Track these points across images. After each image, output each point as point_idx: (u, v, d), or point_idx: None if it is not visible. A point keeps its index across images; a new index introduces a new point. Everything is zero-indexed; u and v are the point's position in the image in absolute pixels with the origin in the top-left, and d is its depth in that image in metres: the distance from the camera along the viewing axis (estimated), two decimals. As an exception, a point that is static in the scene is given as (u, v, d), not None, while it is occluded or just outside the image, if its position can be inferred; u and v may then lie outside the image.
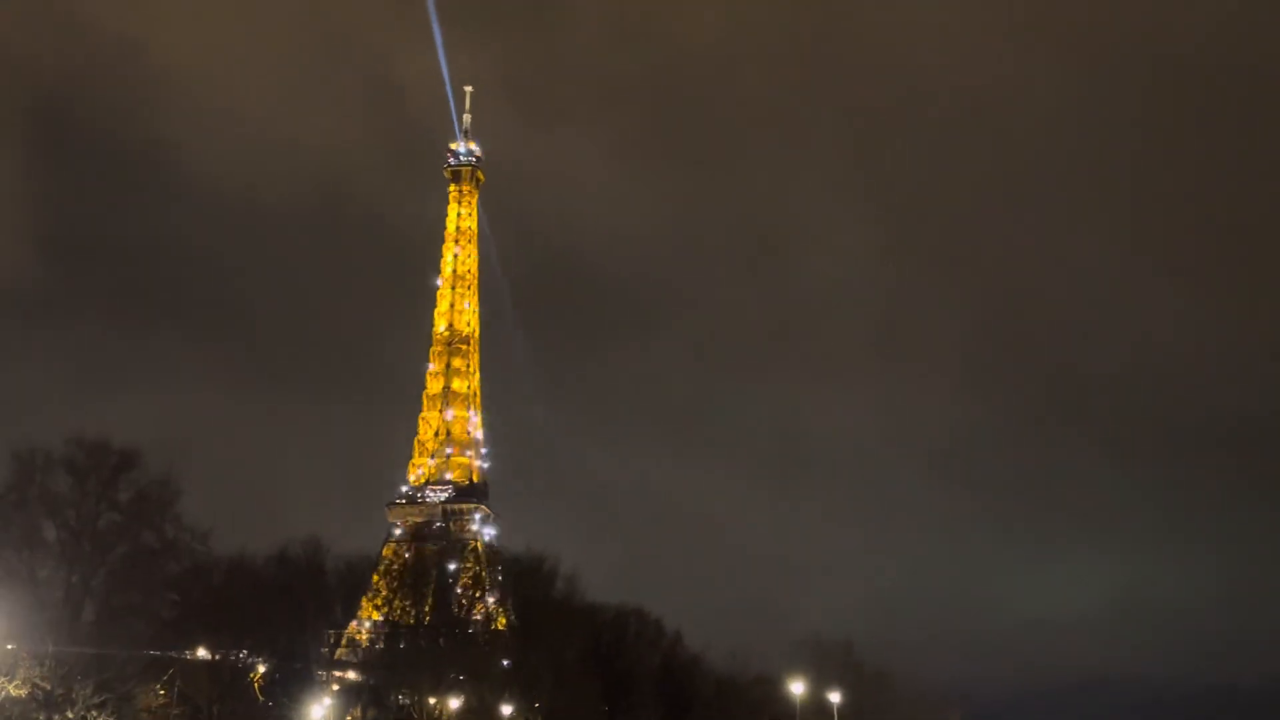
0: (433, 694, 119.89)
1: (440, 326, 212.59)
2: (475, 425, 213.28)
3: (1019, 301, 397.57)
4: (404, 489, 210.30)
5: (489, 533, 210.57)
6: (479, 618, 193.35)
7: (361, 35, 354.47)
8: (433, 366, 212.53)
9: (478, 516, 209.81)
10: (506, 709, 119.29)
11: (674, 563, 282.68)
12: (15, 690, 65.55)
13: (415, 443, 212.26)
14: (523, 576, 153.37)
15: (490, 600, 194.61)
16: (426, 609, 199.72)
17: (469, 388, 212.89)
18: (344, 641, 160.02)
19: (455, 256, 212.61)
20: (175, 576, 78.78)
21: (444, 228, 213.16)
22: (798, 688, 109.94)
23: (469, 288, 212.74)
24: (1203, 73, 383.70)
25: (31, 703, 65.73)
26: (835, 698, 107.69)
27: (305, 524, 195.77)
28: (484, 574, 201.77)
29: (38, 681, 66.09)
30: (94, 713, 65.91)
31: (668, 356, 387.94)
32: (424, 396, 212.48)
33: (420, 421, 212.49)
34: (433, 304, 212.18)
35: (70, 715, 65.46)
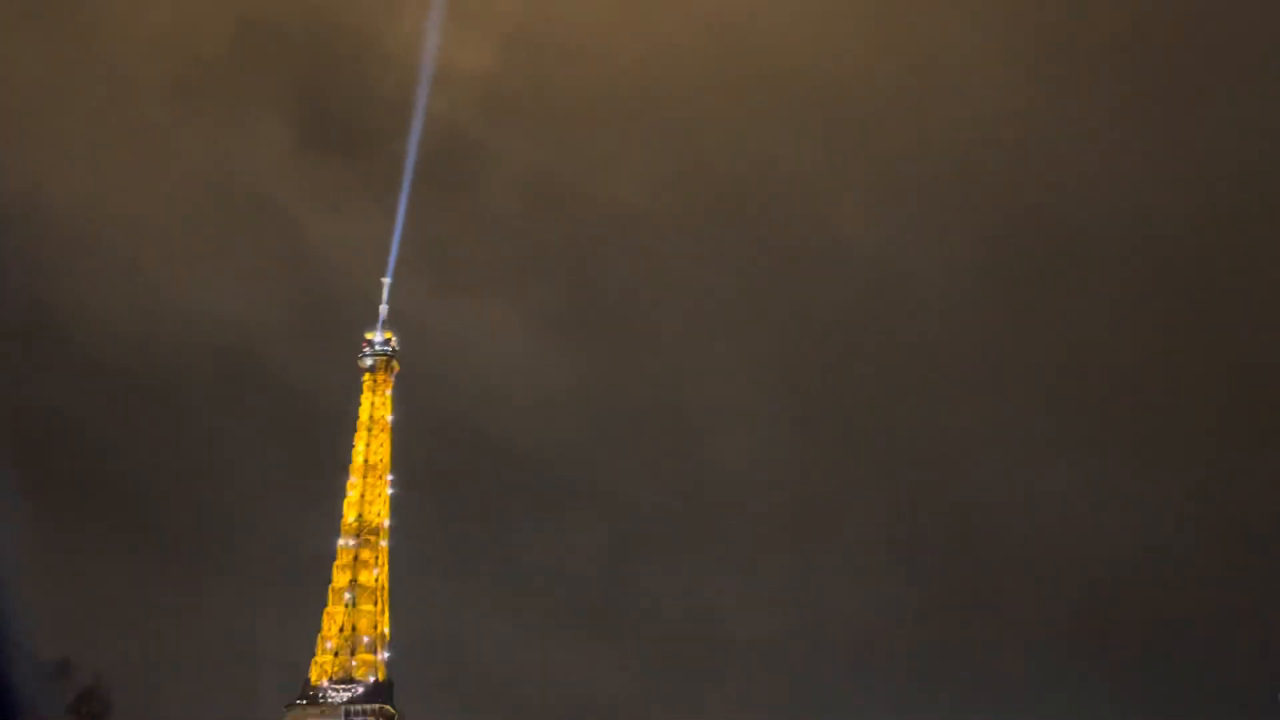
0: None
1: (349, 517, 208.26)
2: (382, 621, 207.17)
3: (932, 474, 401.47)
4: (306, 688, 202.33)
5: None
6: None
7: (275, 199, 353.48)
8: (341, 559, 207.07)
9: (381, 715, 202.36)
10: None
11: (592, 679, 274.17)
12: None
13: (319, 639, 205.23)
14: None
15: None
16: None
17: (377, 580, 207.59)
18: None
19: (367, 446, 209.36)
20: None
21: (356, 415, 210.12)
22: None
23: (380, 478, 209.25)
24: (1111, 235, 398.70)
25: None
26: None
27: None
28: None
29: None
30: None
31: (579, 534, 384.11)
32: (330, 590, 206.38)
33: (325, 616, 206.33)
34: (340, 489, 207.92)
35: None
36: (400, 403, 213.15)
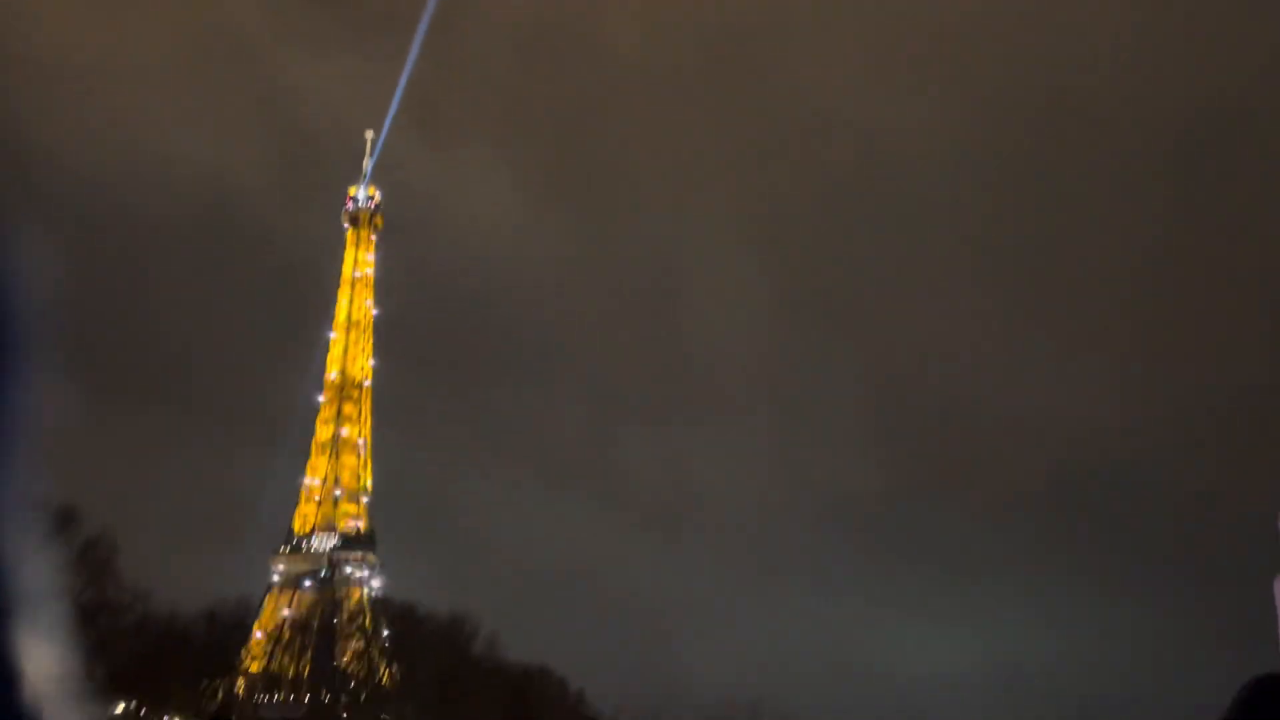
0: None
1: (332, 373, 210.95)
2: (364, 474, 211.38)
3: (912, 352, 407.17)
4: (289, 536, 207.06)
5: (375, 583, 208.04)
6: (363, 672, 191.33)
7: (260, 43, 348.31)
8: (324, 413, 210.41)
9: (364, 566, 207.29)
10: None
11: (559, 614, 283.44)
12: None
13: (302, 490, 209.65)
14: (440, 638, 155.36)
15: (375, 653, 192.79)
16: (307, 661, 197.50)
17: (359, 435, 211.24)
18: (219, 695, 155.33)
19: (350, 302, 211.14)
20: (110, 635, 77.18)
21: (340, 270, 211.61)
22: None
23: (363, 333, 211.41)
24: (1103, 116, 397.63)
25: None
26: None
27: (181, 568, 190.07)
28: (369, 625, 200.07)
29: None
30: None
31: (560, 398, 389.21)
32: (313, 443, 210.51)
33: (308, 468, 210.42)
34: (324, 345, 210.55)
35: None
36: (383, 259, 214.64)
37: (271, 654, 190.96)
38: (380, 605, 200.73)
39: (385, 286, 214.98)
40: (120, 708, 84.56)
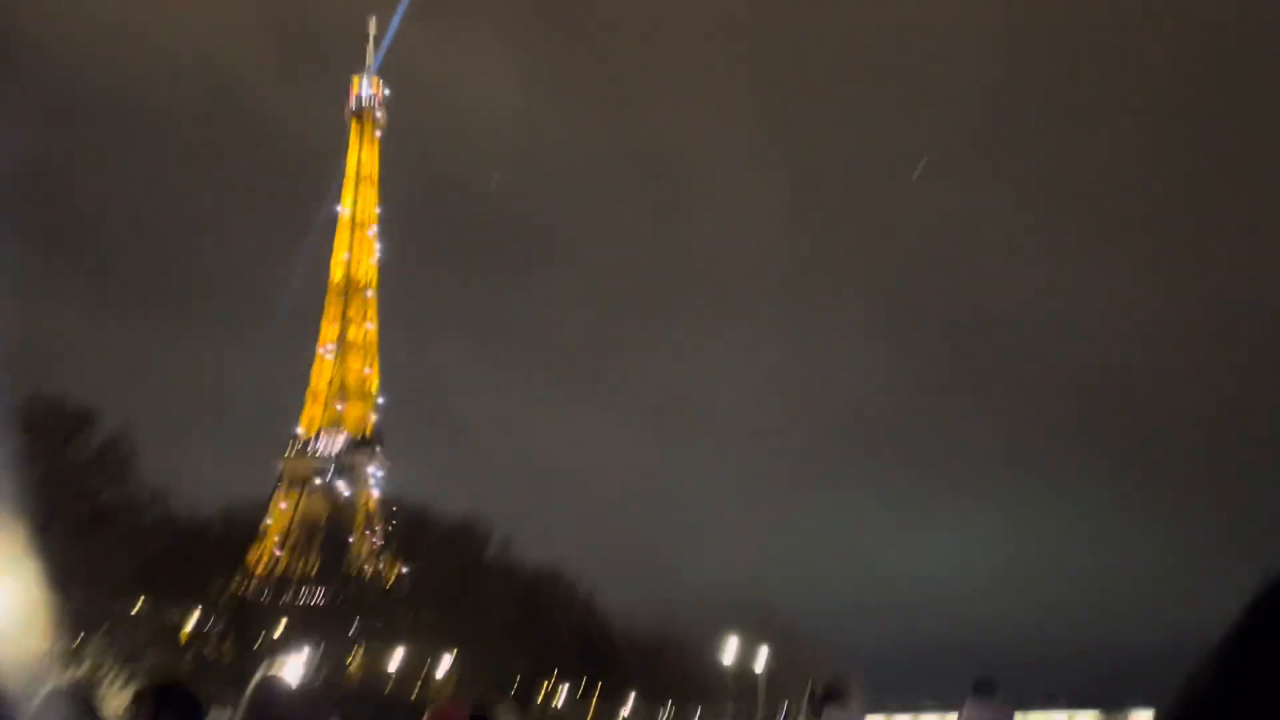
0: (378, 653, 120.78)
1: (337, 274, 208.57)
2: (370, 375, 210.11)
3: (929, 253, 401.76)
4: (295, 438, 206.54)
5: (382, 485, 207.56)
6: (371, 572, 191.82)
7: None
8: (328, 314, 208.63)
9: (372, 468, 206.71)
10: (443, 669, 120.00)
11: (566, 517, 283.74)
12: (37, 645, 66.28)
13: (308, 392, 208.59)
14: (451, 540, 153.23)
15: (382, 555, 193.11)
16: (313, 562, 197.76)
17: (364, 337, 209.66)
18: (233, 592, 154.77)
19: (354, 201, 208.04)
20: (130, 535, 77.82)
21: (342, 166, 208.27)
22: (731, 648, 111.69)
23: (368, 232, 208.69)
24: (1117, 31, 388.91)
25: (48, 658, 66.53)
26: (762, 659, 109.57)
27: (191, 469, 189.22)
28: (377, 527, 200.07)
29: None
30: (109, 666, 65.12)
31: (564, 295, 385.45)
32: (318, 344, 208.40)
33: (313, 370, 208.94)
34: (326, 242, 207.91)
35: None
36: (388, 154, 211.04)
37: (280, 554, 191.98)
38: (388, 507, 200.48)
39: (390, 182, 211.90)
40: (140, 603, 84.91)
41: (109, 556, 69.33)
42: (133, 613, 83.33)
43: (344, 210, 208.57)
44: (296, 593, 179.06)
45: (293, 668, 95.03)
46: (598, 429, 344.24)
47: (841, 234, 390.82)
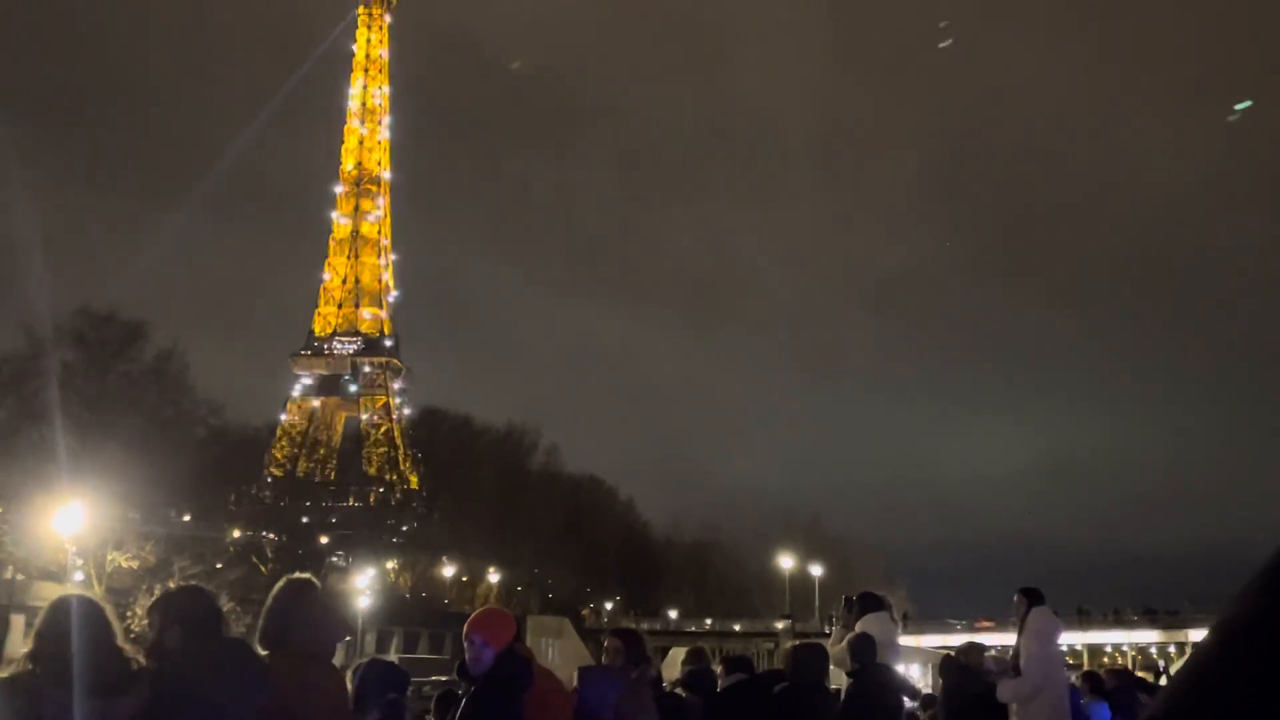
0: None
1: (348, 165, 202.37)
2: (385, 273, 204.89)
3: (983, 113, 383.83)
4: (310, 339, 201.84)
5: (403, 390, 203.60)
6: (393, 478, 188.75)
7: None
8: (340, 208, 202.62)
9: (389, 371, 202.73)
10: (494, 578, 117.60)
11: (593, 414, 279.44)
12: (126, 562, 68.67)
13: (321, 290, 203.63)
14: (502, 447, 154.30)
15: (403, 460, 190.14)
16: (332, 468, 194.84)
17: (379, 232, 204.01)
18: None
19: (364, 89, 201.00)
20: (186, 446, 79.37)
21: (351, 52, 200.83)
22: (786, 562, 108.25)
23: (379, 121, 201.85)
24: None
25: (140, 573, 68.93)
26: (817, 571, 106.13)
27: (211, 373, 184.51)
28: (396, 430, 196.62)
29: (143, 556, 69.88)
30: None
31: (587, 169, 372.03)
32: (330, 240, 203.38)
33: (326, 267, 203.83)
34: (337, 133, 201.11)
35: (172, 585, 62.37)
36: (399, 38, 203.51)
37: (296, 460, 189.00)
38: (412, 412, 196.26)
39: (403, 69, 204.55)
40: (187, 516, 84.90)
41: (168, 469, 68.36)
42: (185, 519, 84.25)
43: (353, 99, 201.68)
44: (328, 500, 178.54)
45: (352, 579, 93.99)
46: (629, 321, 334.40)
47: (892, 91, 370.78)
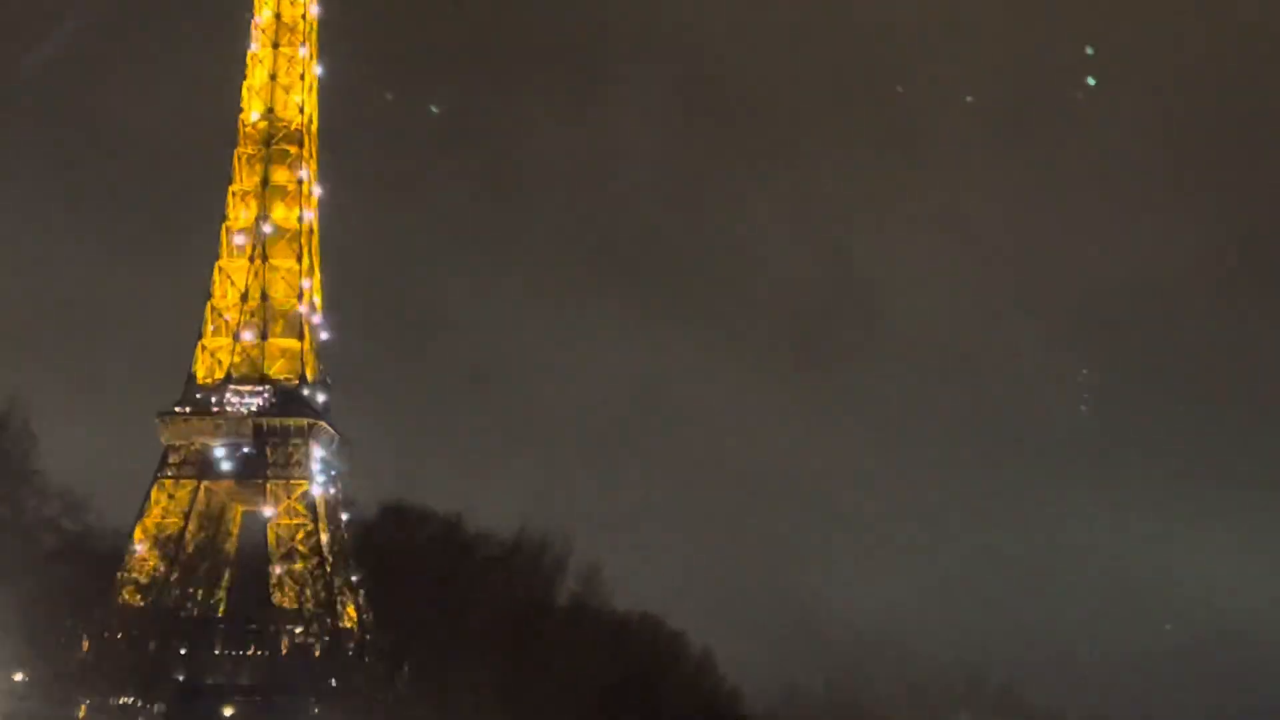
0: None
1: (252, 113, 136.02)
2: (309, 282, 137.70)
3: (1239, 71, 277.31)
4: (190, 389, 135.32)
5: (336, 469, 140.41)
6: (324, 615, 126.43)
7: None
8: (240, 180, 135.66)
9: (314, 439, 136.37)
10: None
11: (646, 513, 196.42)
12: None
13: (208, 310, 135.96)
14: (509, 567, 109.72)
15: (340, 585, 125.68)
16: (220, 597, 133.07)
17: (299, 219, 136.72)
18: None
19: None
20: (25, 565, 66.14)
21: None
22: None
23: (301, 45, 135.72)
24: None
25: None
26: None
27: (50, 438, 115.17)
28: (327, 537, 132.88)
29: None
30: None
31: (625, 125, 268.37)
32: (222, 231, 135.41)
33: (216, 275, 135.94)
34: (234, 61, 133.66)
35: None
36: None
37: (166, 581, 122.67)
38: (338, 503, 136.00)
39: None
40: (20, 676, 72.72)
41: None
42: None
43: (261, 9, 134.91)
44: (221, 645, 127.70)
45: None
46: (691, 361, 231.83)
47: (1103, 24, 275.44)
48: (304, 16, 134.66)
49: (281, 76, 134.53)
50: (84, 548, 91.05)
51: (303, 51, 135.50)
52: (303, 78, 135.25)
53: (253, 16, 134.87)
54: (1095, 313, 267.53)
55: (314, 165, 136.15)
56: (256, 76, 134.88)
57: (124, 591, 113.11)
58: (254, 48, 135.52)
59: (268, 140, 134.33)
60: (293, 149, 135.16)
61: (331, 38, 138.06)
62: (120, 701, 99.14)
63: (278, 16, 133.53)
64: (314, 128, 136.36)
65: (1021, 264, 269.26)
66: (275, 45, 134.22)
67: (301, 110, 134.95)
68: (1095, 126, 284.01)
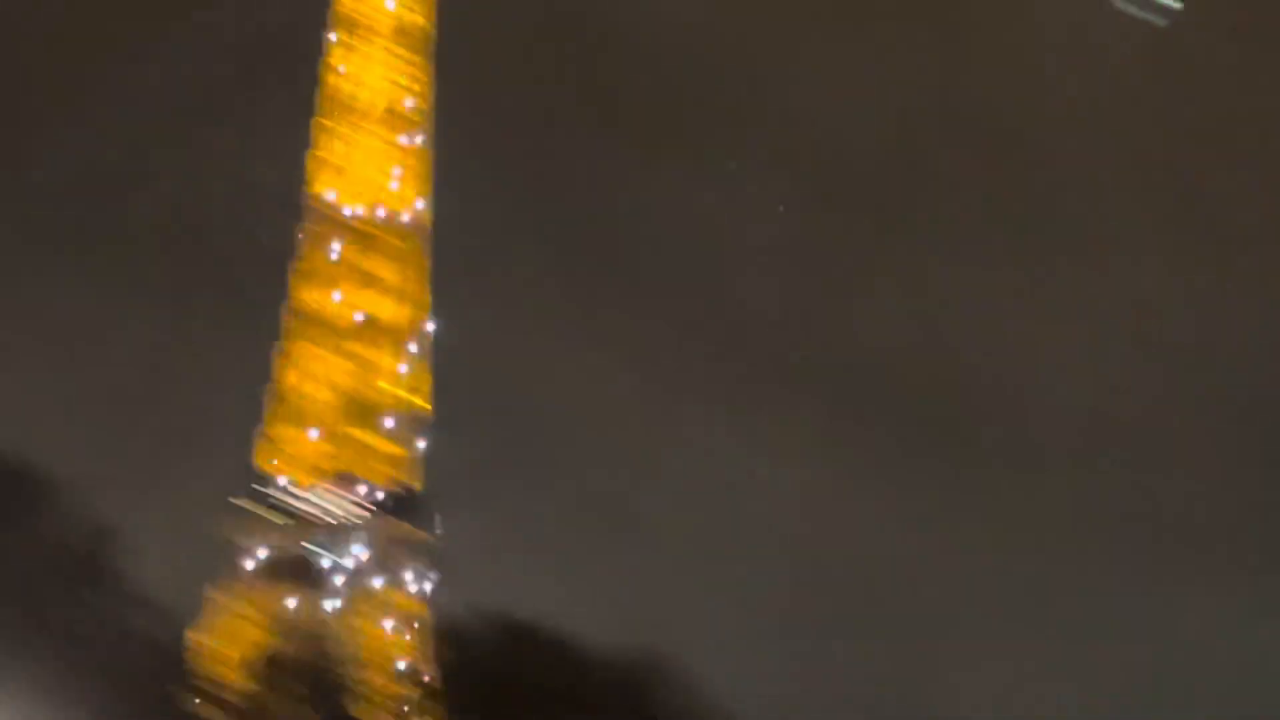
0: None
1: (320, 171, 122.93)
2: (408, 362, 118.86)
3: None
4: (267, 489, 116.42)
5: (424, 576, 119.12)
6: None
7: None
8: (313, 240, 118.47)
9: (409, 546, 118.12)
10: None
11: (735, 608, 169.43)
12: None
13: (293, 401, 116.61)
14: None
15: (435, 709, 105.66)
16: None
17: (402, 277, 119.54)
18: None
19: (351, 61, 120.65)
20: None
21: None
22: None
23: (403, 50, 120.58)
24: None
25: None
26: None
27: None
28: (420, 659, 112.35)
29: None
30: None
31: (763, 192, 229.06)
32: (290, 297, 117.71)
33: (304, 360, 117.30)
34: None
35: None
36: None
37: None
38: (444, 629, 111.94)
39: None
40: None
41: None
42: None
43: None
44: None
45: None
46: (797, 451, 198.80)
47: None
48: (403, 20, 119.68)
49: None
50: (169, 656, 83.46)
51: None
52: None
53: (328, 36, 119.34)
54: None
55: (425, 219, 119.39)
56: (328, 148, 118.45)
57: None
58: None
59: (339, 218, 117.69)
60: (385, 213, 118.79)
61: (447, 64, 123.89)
62: None
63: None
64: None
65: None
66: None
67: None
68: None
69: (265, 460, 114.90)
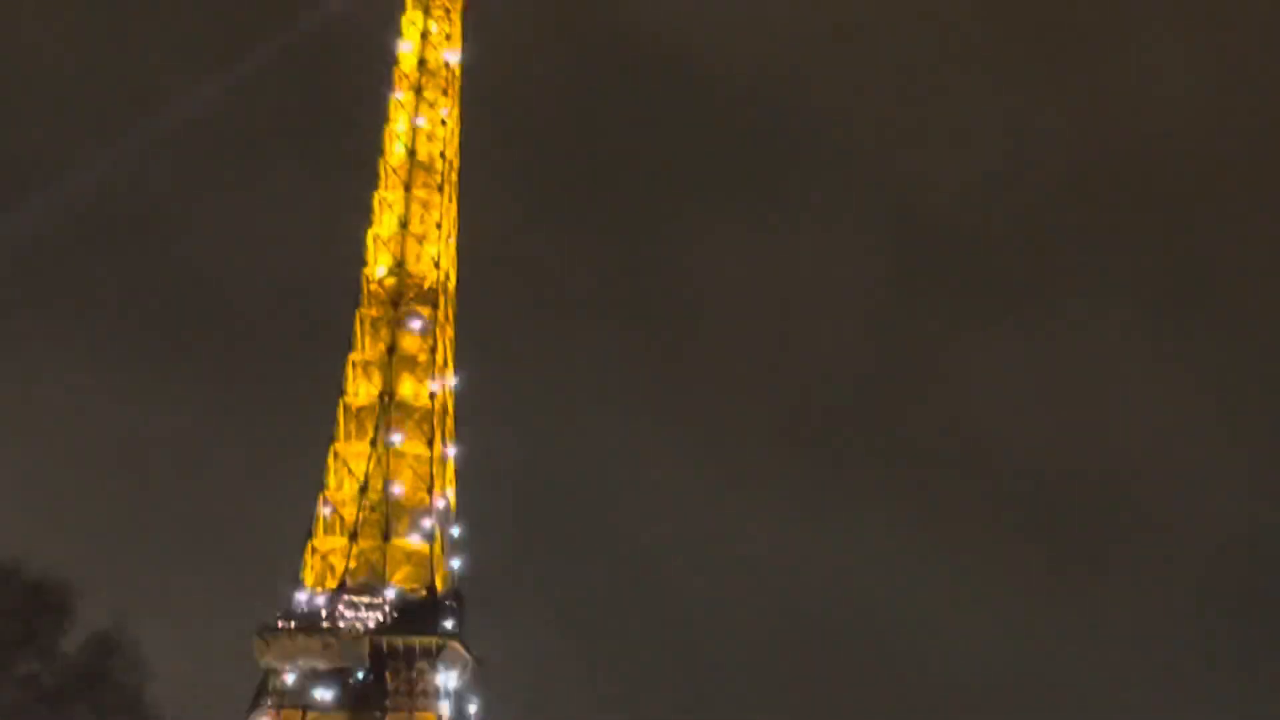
0: None
1: (378, 267, 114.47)
2: (443, 473, 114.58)
3: None
4: (291, 601, 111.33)
5: (460, 696, 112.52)
6: None
7: None
8: (360, 349, 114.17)
9: (443, 661, 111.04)
10: None
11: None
12: None
13: (319, 504, 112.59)
14: None
15: None
16: None
17: (432, 395, 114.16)
18: None
19: (416, 127, 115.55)
20: None
21: (392, 59, 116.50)
22: None
23: (439, 189, 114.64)
24: None
25: None
26: None
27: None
28: None
29: None
30: None
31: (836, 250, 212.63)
32: (340, 405, 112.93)
33: (330, 460, 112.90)
34: (360, 208, 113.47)
35: None
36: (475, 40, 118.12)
37: None
38: None
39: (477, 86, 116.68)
40: None
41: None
42: None
43: (389, 143, 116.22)
44: None
45: None
46: (854, 545, 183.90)
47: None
48: (442, 154, 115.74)
49: (415, 223, 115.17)
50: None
51: (440, 195, 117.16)
52: (439, 225, 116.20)
53: (381, 152, 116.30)
54: None
55: (449, 329, 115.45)
56: (385, 224, 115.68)
57: None
58: (382, 189, 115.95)
59: (396, 299, 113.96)
60: (425, 310, 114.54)
61: (472, 173, 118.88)
62: None
63: (412, 154, 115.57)
64: (451, 286, 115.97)
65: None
66: (407, 187, 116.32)
67: (437, 265, 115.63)
68: None
69: (309, 572, 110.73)
